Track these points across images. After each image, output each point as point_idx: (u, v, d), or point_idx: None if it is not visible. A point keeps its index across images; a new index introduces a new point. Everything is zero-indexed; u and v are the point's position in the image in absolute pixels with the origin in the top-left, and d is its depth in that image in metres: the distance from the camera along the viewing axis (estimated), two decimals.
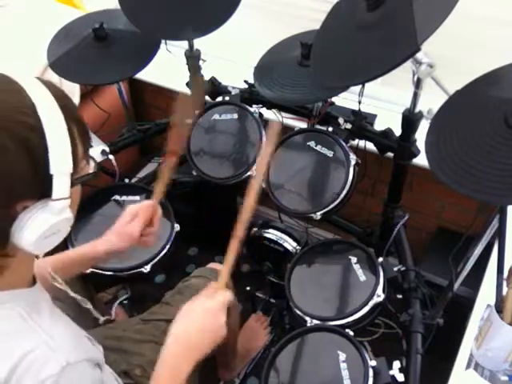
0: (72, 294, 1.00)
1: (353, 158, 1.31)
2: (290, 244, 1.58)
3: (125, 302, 1.75)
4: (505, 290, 0.98)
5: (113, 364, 0.92)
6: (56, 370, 0.67)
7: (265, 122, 1.45)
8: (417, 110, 1.20)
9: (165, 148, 1.11)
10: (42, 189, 0.67)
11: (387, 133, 1.35)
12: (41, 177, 0.66)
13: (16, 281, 0.74)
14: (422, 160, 1.12)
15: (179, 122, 1.10)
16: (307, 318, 1.23)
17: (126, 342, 1.18)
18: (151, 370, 1.12)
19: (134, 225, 1.09)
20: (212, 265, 1.43)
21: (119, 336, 1.19)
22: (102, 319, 1.10)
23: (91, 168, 0.75)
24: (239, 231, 1.02)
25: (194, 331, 0.88)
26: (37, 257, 0.83)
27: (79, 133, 0.70)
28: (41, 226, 0.67)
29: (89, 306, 1.06)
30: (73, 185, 0.70)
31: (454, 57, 1.36)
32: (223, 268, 0.98)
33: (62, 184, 0.67)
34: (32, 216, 0.66)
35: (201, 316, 0.89)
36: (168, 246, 1.39)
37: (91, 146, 0.74)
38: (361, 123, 1.39)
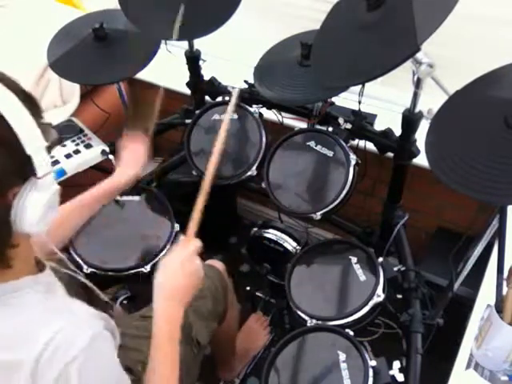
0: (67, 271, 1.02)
1: (353, 158, 1.31)
2: (290, 244, 1.58)
3: (124, 301, 1.75)
4: (505, 289, 0.98)
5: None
6: (85, 343, 0.70)
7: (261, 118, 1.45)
8: (417, 110, 1.20)
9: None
10: (25, 171, 0.68)
11: (387, 133, 1.35)
12: (20, 161, 0.67)
13: (26, 268, 0.76)
14: (422, 160, 1.12)
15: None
16: (307, 318, 1.23)
17: (126, 338, 1.18)
18: None
19: (138, 148, 1.29)
20: (210, 261, 1.43)
21: (120, 332, 1.20)
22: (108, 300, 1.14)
23: (53, 134, 0.75)
24: (206, 185, 1.16)
25: (176, 279, 0.97)
26: None
27: (32, 104, 0.71)
28: (37, 205, 0.70)
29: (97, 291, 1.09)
30: None
31: (454, 57, 1.36)
32: (191, 220, 1.09)
33: (41, 160, 0.69)
34: (25, 199, 0.68)
35: (179, 265, 0.98)
36: (168, 246, 1.39)
37: (42, 112, 0.74)
38: (361, 123, 1.39)
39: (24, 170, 0.68)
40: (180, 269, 0.98)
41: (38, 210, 0.69)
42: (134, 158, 1.32)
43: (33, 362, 0.67)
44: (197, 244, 1.04)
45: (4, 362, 0.69)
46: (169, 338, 0.93)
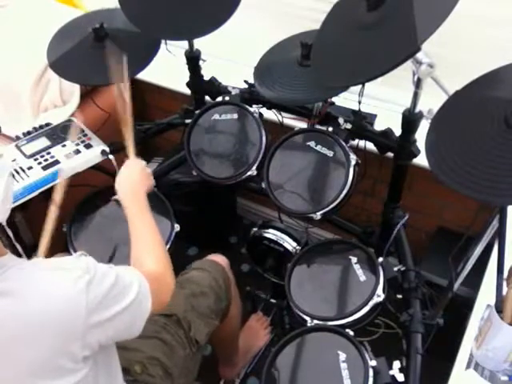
0: None
1: (353, 158, 1.31)
2: (289, 244, 1.58)
3: None
4: (505, 289, 0.98)
5: None
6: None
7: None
8: (417, 110, 1.20)
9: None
10: None
11: (387, 133, 1.35)
12: None
13: None
14: (422, 160, 1.12)
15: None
16: (307, 318, 1.23)
17: None
18: (151, 366, 1.12)
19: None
20: (211, 256, 1.43)
21: None
22: None
23: None
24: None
25: (132, 177, 1.17)
26: None
27: None
28: None
29: None
30: None
31: (453, 57, 1.36)
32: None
33: None
34: None
35: (133, 170, 1.19)
36: (168, 246, 1.39)
37: None
38: (361, 123, 1.39)
39: None
40: (134, 172, 1.18)
41: None
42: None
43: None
44: (136, 159, 1.25)
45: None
46: (140, 213, 1.09)
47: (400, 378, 1.06)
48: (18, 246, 1.36)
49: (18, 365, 0.74)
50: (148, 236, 1.05)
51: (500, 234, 1.02)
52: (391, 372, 1.06)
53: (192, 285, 1.29)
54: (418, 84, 1.11)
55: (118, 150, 1.63)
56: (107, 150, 1.51)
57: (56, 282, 0.77)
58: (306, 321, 1.23)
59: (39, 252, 1.15)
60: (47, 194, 1.42)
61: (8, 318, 0.73)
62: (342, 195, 1.29)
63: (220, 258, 1.42)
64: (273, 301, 1.75)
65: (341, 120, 1.39)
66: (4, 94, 1.71)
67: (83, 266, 0.80)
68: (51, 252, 1.36)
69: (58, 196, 1.20)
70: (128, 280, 0.86)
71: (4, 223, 1.03)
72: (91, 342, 0.79)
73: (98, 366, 0.83)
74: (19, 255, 1.39)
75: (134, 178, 1.17)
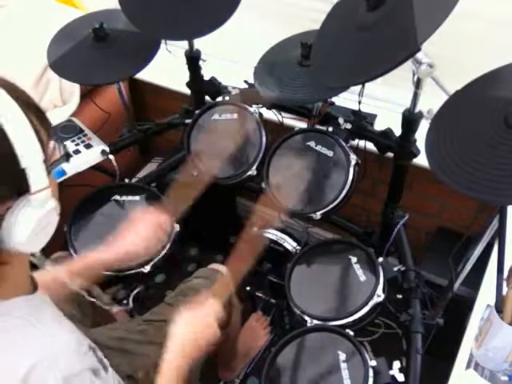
0: (90, 299, 1.00)
1: (353, 158, 1.31)
2: (290, 244, 1.58)
3: (124, 301, 1.75)
4: (505, 289, 0.98)
5: (116, 367, 0.92)
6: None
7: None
8: (417, 110, 1.20)
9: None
10: (18, 185, 0.65)
11: (387, 133, 1.35)
12: (13, 174, 0.64)
13: (16, 289, 0.73)
14: (422, 160, 1.12)
15: None
16: (307, 318, 1.23)
17: (128, 343, 1.18)
18: (154, 372, 1.12)
19: (152, 231, 1.14)
20: (214, 265, 1.43)
21: (122, 337, 1.19)
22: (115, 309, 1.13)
23: (60, 151, 0.73)
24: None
25: (194, 333, 0.98)
26: (34, 266, 0.83)
27: (38, 118, 0.68)
28: (28, 222, 0.66)
29: (106, 306, 1.08)
30: (48, 173, 0.68)
31: (453, 57, 1.36)
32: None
33: (37, 175, 0.66)
34: (17, 215, 0.65)
35: (200, 322, 1.00)
36: (168, 246, 1.39)
37: (51, 126, 0.72)
38: (361, 123, 1.39)
39: (17, 183, 0.65)
40: (200, 326, 1.00)
41: (28, 226, 0.66)
42: (143, 236, 1.15)
43: None
44: (217, 309, 1.06)
45: None
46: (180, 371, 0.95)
47: (400, 378, 1.06)
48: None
49: None
50: None
51: (500, 234, 1.02)
52: (391, 372, 1.06)
53: (194, 293, 1.29)
54: (417, 84, 1.11)
55: (118, 150, 1.63)
56: (107, 149, 1.52)
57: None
58: (305, 321, 1.23)
59: None
60: None
61: None
62: (342, 195, 1.29)
63: (221, 268, 1.42)
64: (273, 301, 1.75)
65: (341, 120, 1.39)
66: None
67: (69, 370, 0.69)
68: (51, 252, 1.36)
69: None
70: None
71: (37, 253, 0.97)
72: None
73: None
74: None
75: (195, 334, 1.00)
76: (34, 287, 0.78)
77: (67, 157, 0.75)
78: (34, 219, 0.67)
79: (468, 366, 1.04)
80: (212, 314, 1.03)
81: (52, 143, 0.71)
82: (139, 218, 1.15)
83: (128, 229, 1.14)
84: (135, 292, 1.75)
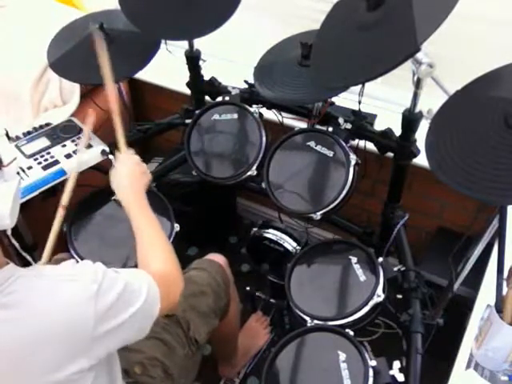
0: None
1: (353, 158, 1.31)
2: (290, 244, 1.58)
3: None
4: (505, 289, 0.98)
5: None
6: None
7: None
8: (417, 109, 1.20)
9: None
10: None
11: (387, 133, 1.35)
12: None
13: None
14: (422, 160, 1.12)
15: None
16: (307, 318, 1.23)
17: None
18: (151, 367, 1.12)
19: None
20: (210, 256, 1.43)
21: None
22: None
23: None
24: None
25: (130, 176, 1.12)
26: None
27: None
28: (7, 195, 0.69)
29: None
30: None
31: (453, 57, 1.36)
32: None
33: (4, 148, 0.67)
34: None
35: (129, 167, 1.14)
36: None
37: None
38: (361, 123, 1.39)
39: None
40: (129, 168, 1.13)
41: (8, 199, 0.68)
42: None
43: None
44: (128, 152, 1.20)
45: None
46: (142, 211, 1.07)
47: (400, 378, 1.06)
48: (17, 244, 1.36)
49: (29, 373, 0.73)
50: (153, 235, 1.03)
51: (500, 234, 1.02)
52: (391, 372, 1.06)
53: (191, 284, 1.29)
54: (417, 84, 1.11)
55: (118, 150, 1.63)
56: (107, 149, 1.51)
57: (64, 293, 0.76)
58: (305, 321, 1.23)
59: (44, 254, 1.15)
60: (47, 194, 1.42)
61: (16, 330, 0.72)
62: (342, 195, 1.29)
63: (219, 258, 1.42)
64: (273, 301, 1.75)
65: (341, 120, 1.39)
66: (4, 94, 1.71)
67: (91, 275, 0.79)
68: (51, 252, 1.36)
69: (66, 198, 1.19)
70: (137, 285, 0.84)
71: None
72: (99, 352, 0.78)
73: (99, 368, 0.82)
74: (20, 256, 1.39)
75: (130, 175, 1.13)
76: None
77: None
78: (13, 190, 0.70)
79: (468, 366, 1.04)
80: (131, 157, 1.17)
81: None
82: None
83: None
84: None
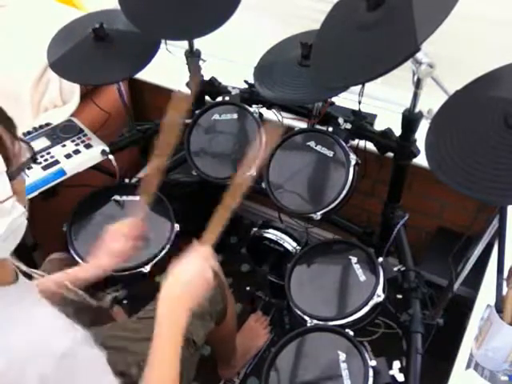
0: (91, 301, 1.01)
1: (353, 158, 1.31)
2: (290, 244, 1.58)
3: (124, 301, 1.75)
4: (505, 289, 0.98)
5: (113, 366, 0.92)
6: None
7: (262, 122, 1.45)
8: (417, 109, 1.20)
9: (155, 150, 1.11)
10: None
11: (387, 133, 1.35)
12: None
13: None
14: (422, 160, 1.12)
15: (172, 122, 1.12)
16: (307, 318, 1.23)
17: (124, 340, 1.18)
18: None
19: (122, 244, 1.11)
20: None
21: (118, 335, 1.20)
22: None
23: (27, 151, 0.73)
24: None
25: (187, 284, 0.94)
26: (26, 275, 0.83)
27: (0, 123, 0.68)
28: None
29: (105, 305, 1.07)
30: (13, 178, 0.68)
31: (453, 57, 1.36)
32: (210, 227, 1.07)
33: (0, 187, 0.66)
34: None
35: (192, 271, 0.96)
36: (168, 246, 1.39)
37: (16, 127, 0.71)
38: (361, 123, 1.39)
39: None
40: (192, 275, 0.96)
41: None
42: (116, 253, 1.13)
43: None
44: (209, 250, 1.03)
45: None
46: (172, 340, 0.91)
47: (400, 378, 1.06)
48: None
49: None
50: (168, 371, 0.89)
51: (500, 234, 1.02)
52: (391, 372, 1.06)
53: None
54: (417, 84, 1.11)
55: (118, 150, 1.63)
56: (107, 149, 1.52)
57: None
58: (305, 321, 1.23)
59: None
60: (47, 194, 1.42)
61: None
62: (342, 195, 1.29)
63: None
64: (272, 301, 1.75)
65: (341, 120, 1.39)
66: (4, 94, 1.71)
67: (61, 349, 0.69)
68: (51, 252, 1.36)
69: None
70: None
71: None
72: None
73: None
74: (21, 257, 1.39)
75: (190, 283, 0.95)
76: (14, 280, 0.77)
77: (34, 160, 0.74)
78: (3, 227, 0.67)
79: (468, 366, 1.04)
80: (204, 259, 1.00)
81: (17, 146, 0.71)
82: (109, 234, 1.12)
83: (100, 247, 1.12)
84: (135, 292, 1.76)
